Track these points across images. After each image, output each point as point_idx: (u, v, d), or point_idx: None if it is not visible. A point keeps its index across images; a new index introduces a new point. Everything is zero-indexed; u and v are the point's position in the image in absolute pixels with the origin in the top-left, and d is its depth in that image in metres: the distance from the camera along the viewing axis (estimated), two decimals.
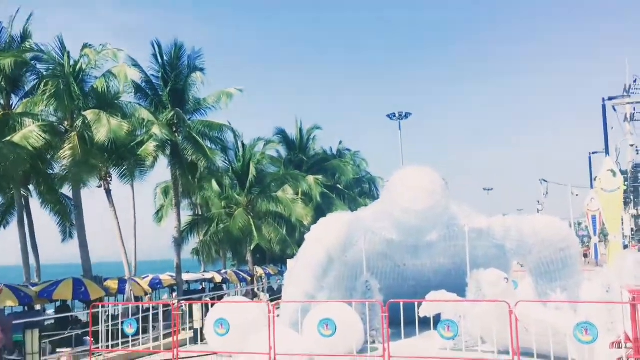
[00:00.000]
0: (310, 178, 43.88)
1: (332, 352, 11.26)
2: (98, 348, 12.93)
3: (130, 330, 12.03)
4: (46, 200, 34.53)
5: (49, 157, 25.66)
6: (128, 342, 12.95)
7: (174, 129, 30.01)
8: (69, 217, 35.12)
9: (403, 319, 11.98)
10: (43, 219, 35.28)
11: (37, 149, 23.34)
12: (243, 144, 38.56)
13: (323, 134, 57.54)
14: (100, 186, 37.80)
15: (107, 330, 13.24)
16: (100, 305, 13.97)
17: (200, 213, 40.27)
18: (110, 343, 13.12)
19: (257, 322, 11.95)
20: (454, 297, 12.50)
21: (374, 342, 14.10)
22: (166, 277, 30.56)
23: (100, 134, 23.13)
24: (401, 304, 12.03)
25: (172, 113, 29.36)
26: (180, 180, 30.51)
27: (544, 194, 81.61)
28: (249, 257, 37.92)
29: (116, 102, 26.71)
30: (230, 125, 31.51)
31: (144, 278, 31.36)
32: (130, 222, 42.08)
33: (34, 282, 25.11)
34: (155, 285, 29.75)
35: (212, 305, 13.75)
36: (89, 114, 24.00)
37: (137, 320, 12.85)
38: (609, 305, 13.25)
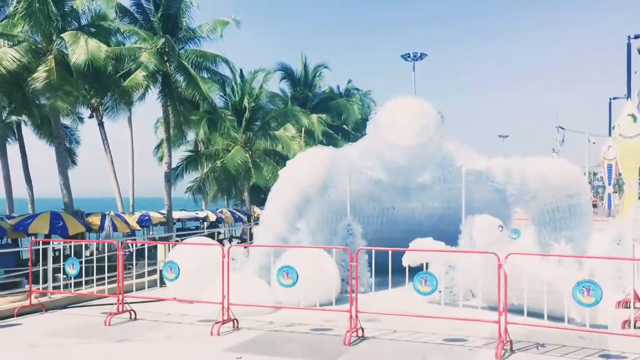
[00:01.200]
0: (314, 116, 42.14)
1: (300, 302, 9.89)
2: (39, 289, 11.62)
3: (72, 270, 10.72)
4: (41, 130, 33.35)
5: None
6: (81, 283, 11.68)
7: (165, 59, 28.21)
8: (67, 146, 34.04)
9: (391, 268, 10.53)
10: (41, 150, 34.29)
11: (11, 72, 21.72)
12: (242, 76, 36.66)
13: (331, 75, 55.40)
14: (91, 117, 36.54)
15: (59, 269, 12.00)
16: (41, 242, 12.64)
17: (201, 150, 38.86)
18: (50, 284, 11.83)
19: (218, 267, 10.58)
20: (441, 245, 11.00)
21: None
22: (156, 215, 29.41)
23: (76, 57, 21.35)
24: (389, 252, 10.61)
25: (163, 40, 27.44)
26: (171, 113, 28.89)
27: (560, 142, 79.31)
28: (246, 195, 36.64)
29: (101, 24, 24.84)
30: (224, 56, 29.47)
31: (134, 214, 30.30)
32: (129, 157, 41.11)
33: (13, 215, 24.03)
34: (144, 222, 28.63)
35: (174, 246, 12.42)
36: (67, 36, 22.19)
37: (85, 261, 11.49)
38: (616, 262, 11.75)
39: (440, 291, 11.71)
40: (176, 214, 32.18)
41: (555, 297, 9.04)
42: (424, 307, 9.98)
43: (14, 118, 32.79)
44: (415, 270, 11.24)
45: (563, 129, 77.19)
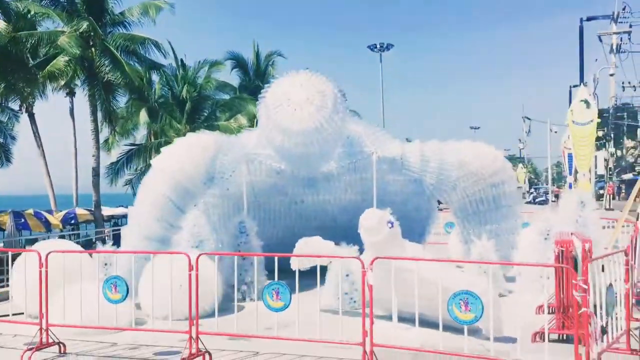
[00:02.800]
0: None
1: (169, 316, 8.10)
2: None
3: None
4: None
5: None
6: None
7: (91, 43, 26.17)
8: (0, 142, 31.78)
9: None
10: None
11: None
12: (183, 65, 34.68)
13: (290, 65, 53.84)
14: (20, 108, 34.24)
15: None
16: None
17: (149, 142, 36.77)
18: None
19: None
20: (330, 245, 9.30)
21: (244, 298, 11.04)
22: (83, 212, 27.34)
23: None
24: None
25: (87, 23, 25.37)
26: (97, 103, 26.83)
27: (526, 132, 78.58)
28: None
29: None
30: (154, 40, 27.42)
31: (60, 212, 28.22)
32: (71, 151, 38.81)
33: None
34: (69, 220, 26.53)
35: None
36: None
37: None
38: (542, 259, 10.21)
39: (338, 298, 10.17)
40: (109, 211, 30.14)
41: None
42: (313, 317, 8.29)
43: None
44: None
45: (529, 119, 76.39)
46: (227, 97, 39.01)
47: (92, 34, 25.91)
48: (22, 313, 8.68)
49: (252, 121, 39.22)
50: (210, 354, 7.14)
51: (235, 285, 8.77)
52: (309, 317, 7.44)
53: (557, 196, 43.43)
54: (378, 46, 63.30)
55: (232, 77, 42.25)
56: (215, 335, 7.27)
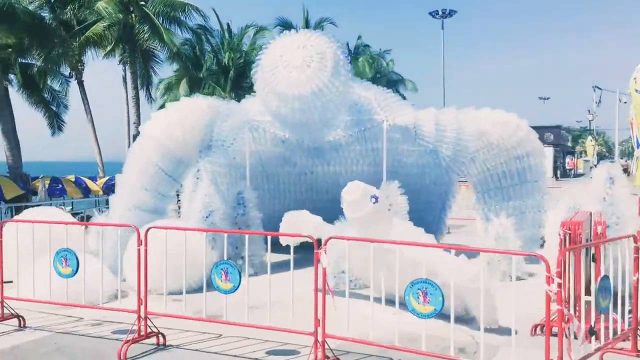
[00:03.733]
0: None
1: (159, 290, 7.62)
2: None
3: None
4: (27, 92, 31.92)
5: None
6: None
7: (130, 9, 26.04)
8: (54, 110, 32.50)
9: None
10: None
11: None
12: (229, 31, 34.22)
13: (342, 32, 52.61)
14: (70, 76, 34.81)
15: None
16: None
17: None
18: None
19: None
20: (318, 220, 8.52)
21: (256, 273, 10.49)
22: None
23: None
24: None
25: None
26: (137, 70, 26.78)
27: (597, 103, 74.48)
28: None
29: None
30: (195, 5, 27.00)
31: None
32: (124, 120, 39.40)
33: None
34: (110, 187, 26.69)
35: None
36: None
37: None
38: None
39: (334, 277, 9.51)
40: None
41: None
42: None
43: None
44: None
45: (600, 88, 72.39)
46: None
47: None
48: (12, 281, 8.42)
49: None
50: (163, 336, 6.60)
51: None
52: (283, 300, 6.75)
53: (625, 170, 40.86)
54: (440, 12, 61.17)
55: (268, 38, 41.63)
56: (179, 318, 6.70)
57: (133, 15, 25.87)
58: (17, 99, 31.33)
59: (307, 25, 42.34)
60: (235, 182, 12.41)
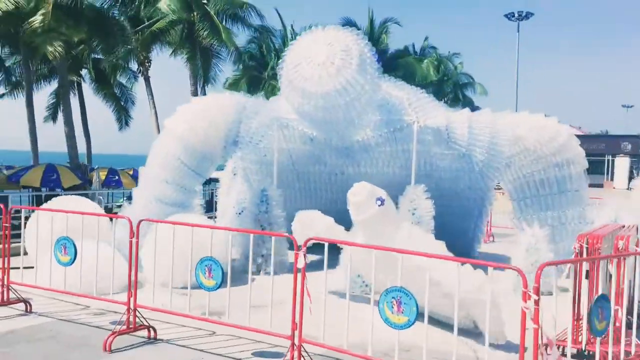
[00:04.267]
0: None
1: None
2: None
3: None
4: (97, 86, 33.28)
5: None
6: None
7: (192, 7, 26.55)
8: (122, 104, 33.75)
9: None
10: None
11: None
12: (293, 31, 34.36)
13: (403, 32, 51.91)
14: (139, 71, 35.91)
15: None
16: None
17: None
18: None
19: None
20: (330, 222, 8.27)
21: (258, 271, 10.41)
22: None
23: None
24: None
25: None
26: (197, 68, 27.27)
27: None
28: None
29: None
30: (252, 4, 27.18)
31: None
32: None
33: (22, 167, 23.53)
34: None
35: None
36: None
37: None
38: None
39: (350, 280, 9.27)
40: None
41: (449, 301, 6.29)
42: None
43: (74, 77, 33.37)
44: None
45: None
46: None
47: None
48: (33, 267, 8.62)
49: None
50: (154, 329, 6.56)
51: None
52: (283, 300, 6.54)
53: None
54: (516, 15, 59.38)
55: None
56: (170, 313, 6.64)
57: (195, 13, 26.34)
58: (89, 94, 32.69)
59: (371, 25, 42.06)
60: (266, 179, 12.35)
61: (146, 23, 26.44)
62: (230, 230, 6.86)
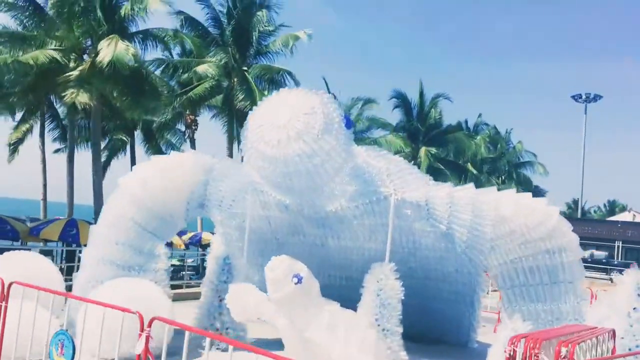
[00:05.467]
0: (422, 149, 38.49)
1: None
2: None
3: None
4: (148, 145, 34.26)
5: None
6: None
7: (232, 74, 27.08)
8: None
9: None
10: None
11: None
12: (335, 100, 34.31)
13: (454, 108, 51.18)
14: (184, 134, 36.77)
15: None
16: None
17: None
18: None
19: None
20: (263, 298, 7.43)
21: (210, 345, 9.57)
22: (208, 236, 27.77)
23: (102, 57, 20.62)
24: None
25: (229, 54, 26.28)
26: (233, 130, 27.49)
27: None
28: None
29: (154, 32, 24.21)
30: (288, 69, 27.42)
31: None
32: None
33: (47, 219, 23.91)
34: (194, 242, 27.01)
35: None
36: (105, 40, 21.72)
37: None
38: None
39: None
40: None
41: None
42: None
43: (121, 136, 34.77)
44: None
45: None
46: (378, 135, 38.01)
47: (234, 64, 26.72)
48: None
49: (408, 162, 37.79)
50: None
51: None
52: None
53: None
54: (584, 97, 58.02)
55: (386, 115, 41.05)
56: None
57: (234, 79, 26.79)
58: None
59: (421, 99, 41.72)
60: (249, 248, 11.69)
61: (187, 87, 27.11)
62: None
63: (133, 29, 23.42)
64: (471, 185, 9.76)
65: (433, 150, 38.86)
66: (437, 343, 11.46)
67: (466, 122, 47.71)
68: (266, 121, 8.81)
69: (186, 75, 25.77)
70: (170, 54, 28.66)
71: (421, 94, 41.46)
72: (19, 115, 30.92)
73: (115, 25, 22.39)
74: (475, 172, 43.15)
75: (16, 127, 31.23)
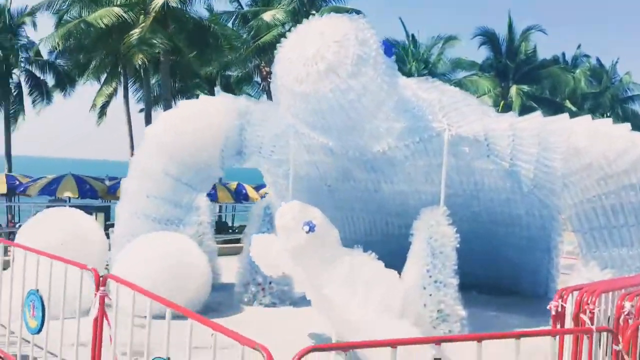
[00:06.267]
0: (513, 88, 36.00)
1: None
2: None
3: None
4: None
5: None
6: None
7: (298, 17, 26.05)
8: None
9: None
10: None
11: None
12: (414, 41, 32.58)
13: (549, 41, 47.40)
14: (261, 86, 36.45)
15: None
16: None
17: None
18: None
19: None
20: (265, 245, 6.53)
21: (252, 300, 9.01)
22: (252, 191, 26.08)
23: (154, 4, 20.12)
24: None
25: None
26: None
27: None
28: None
29: None
30: (358, 9, 25.94)
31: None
32: None
33: None
34: (239, 194, 25.47)
35: None
36: None
37: None
38: None
39: None
40: None
41: None
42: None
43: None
44: None
45: None
46: (462, 75, 35.76)
47: (303, 8, 25.70)
48: None
49: (498, 104, 35.41)
50: None
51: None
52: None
53: None
54: None
55: (472, 52, 38.57)
56: None
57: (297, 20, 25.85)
58: None
59: (510, 33, 38.77)
60: (299, 197, 10.94)
61: (257, 38, 26.44)
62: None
63: None
64: (565, 115, 8.39)
65: (525, 88, 36.19)
66: (508, 294, 10.32)
67: (563, 55, 44.02)
68: (294, 54, 7.87)
69: (255, 24, 25.08)
70: (240, 4, 28.01)
71: (510, 28, 38.41)
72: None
73: None
74: (574, 109, 39.82)
75: (100, 90, 31.92)
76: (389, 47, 8.16)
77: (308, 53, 7.69)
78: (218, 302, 8.85)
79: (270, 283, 8.99)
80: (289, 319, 8.24)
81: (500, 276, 10.44)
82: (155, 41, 21.07)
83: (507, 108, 35.30)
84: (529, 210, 9.26)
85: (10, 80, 31.32)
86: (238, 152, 9.46)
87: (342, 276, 5.39)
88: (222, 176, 10.63)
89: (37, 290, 4.77)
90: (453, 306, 7.74)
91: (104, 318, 4.03)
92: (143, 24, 21.01)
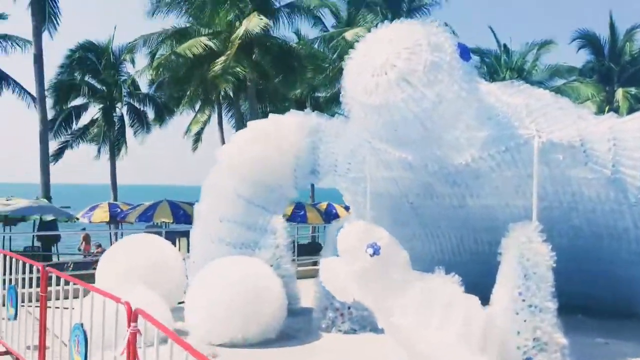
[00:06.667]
0: (619, 91, 33.61)
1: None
2: None
3: None
4: None
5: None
6: None
7: None
8: None
9: None
10: None
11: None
12: (506, 50, 31.22)
13: None
14: None
15: None
16: None
17: None
18: None
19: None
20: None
21: (330, 326, 8.52)
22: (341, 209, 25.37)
23: (236, 35, 20.45)
24: None
25: (379, 14, 24.93)
26: None
27: None
28: None
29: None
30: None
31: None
32: None
33: None
34: (330, 214, 24.96)
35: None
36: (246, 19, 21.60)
37: None
38: None
39: None
40: None
41: None
42: None
43: None
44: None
45: None
46: (559, 83, 33.77)
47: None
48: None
49: (603, 109, 33.18)
50: None
51: None
52: None
53: None
54: None
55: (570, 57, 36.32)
56: None
57: None
58: None
59: (612, 33, 36.35)
60: (379, 218, 10.41)
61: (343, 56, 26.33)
62: None
63: (277, 5, 23.11)
64: None
65: (633, 90, 33.58)
66: (620, 317, 9.20)
67: None
68: (362, 64, 7.43)
69: (338, 44, 24.94)
70: (325, 25, 28.03)
71: (612, 28, 35.98)
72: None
73: (258, 2, 22.20)
74: None
75: (194, 118, 32.90)
76: (466, 50, 7.53)
77: (377, 62, 7.23)
78: (296, 328, 8.46)
79: (349, 308, 8.48)
80: (368, 346, 7.69)
81: (610, 297, 9.35)
82: (238, 69, 21.38)
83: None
84: (638, 222, 8.20)
85: (114, 114, 33.05)
86: (312, 171, 9.09)
87: (413, 303, 4.82)
88: (296, 197, 10.29)
89: (82, 325, 4.54)
90: (551, 333, 6.87)
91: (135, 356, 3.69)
92: (229, 52, 21.40)
